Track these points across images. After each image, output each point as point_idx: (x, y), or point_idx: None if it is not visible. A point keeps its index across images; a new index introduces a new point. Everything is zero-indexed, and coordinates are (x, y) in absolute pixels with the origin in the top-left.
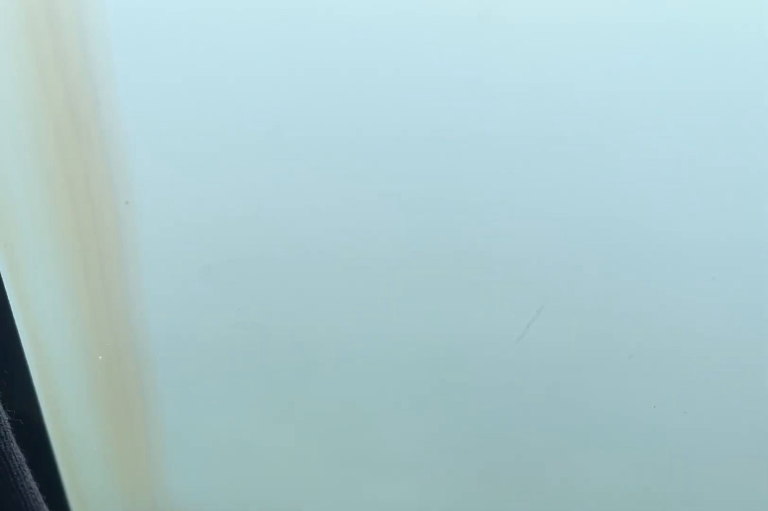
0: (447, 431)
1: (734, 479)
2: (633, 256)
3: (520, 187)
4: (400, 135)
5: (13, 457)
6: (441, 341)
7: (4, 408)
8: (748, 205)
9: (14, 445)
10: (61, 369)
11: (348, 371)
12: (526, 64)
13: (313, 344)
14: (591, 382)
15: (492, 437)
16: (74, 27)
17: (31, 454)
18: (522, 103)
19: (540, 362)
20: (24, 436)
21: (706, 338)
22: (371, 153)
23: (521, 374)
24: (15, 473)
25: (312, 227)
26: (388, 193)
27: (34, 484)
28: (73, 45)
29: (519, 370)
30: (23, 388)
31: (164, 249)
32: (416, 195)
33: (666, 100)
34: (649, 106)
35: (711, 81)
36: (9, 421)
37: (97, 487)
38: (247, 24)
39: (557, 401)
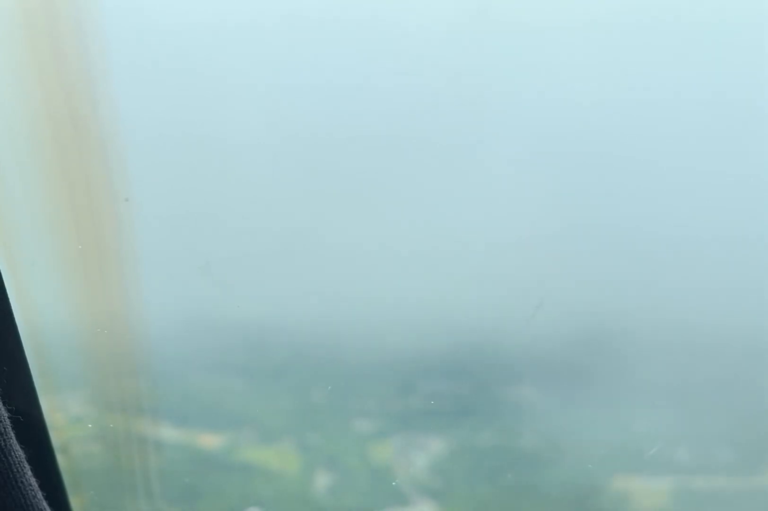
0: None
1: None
2: (634, 256)
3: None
4: (401, 133)
5: (13, 453)
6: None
7: (4, 405)
8: (746, 205)
9: (14, 441)
10: (61, 366)
11: (348, 366)
12: (523, 63)
13: (311, 343)
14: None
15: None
16: (73, 26)
17: (30, 451)
18: (523, 103)
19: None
20: (24, 433)
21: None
22: (371, 150)
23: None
24: (15, 470)
25: (311, 224)
26: (389, 191)
27: (33, 480)
28: (72, 44)
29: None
30: (23, 385)
31: (163, 245)
32: (418, 194)
33: (666, 101)
34: (649, 105)
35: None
36: (9, 418)
37: (97, 482)
38: (244, 25)
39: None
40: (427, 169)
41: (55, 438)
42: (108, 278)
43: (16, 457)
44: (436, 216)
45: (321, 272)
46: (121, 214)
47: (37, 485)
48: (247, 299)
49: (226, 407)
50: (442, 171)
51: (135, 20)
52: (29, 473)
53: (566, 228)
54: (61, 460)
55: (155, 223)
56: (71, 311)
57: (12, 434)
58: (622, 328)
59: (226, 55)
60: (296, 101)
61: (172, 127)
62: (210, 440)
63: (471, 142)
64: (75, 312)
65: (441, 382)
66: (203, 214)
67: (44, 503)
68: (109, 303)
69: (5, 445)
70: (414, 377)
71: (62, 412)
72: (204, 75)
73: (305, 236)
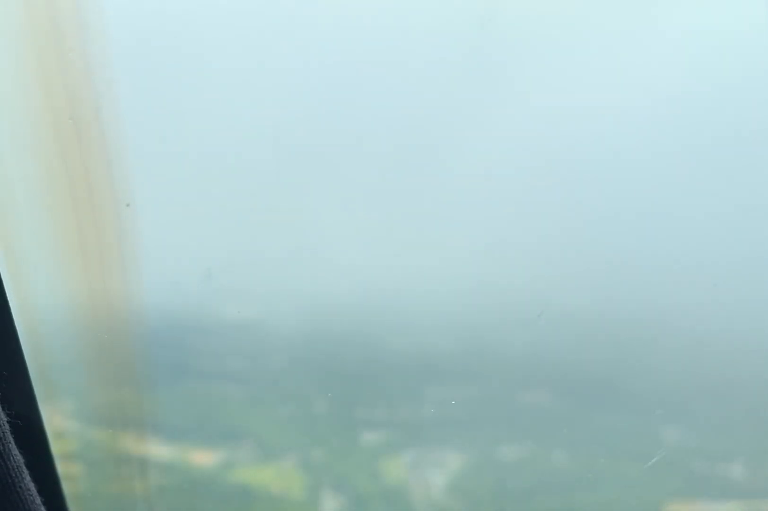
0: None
1: None
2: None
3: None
4: (406, 137)
5: (12, 458)
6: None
7: (3, 409)
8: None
9: (12, 446)
10: (61, 370)
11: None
12: (529, 69)
13: (312, 347)
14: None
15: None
16: (76, 30)
17: (29, 455)
18: (526, 106)
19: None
20: (23, 437)
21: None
22: (372, 154)
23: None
24: (13, 475)
25: (313, 226)
26: (396, 196)
27: (32, 485)
28: (76, 49)
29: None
30: (22, 389)
31: (164, 251)
32: (424, 199)
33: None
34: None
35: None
36: (8, 422)
37: (95, 485)
38: (247, 28)
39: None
40: (432, 174)
41: (55, 443)
42: (110, 283)
43: (15, 461)
44: (440, 218)
45: (323, 273)
46: (122, 220)
47: (35, 490)
48: (246, 301)
49: (220, 418)
50: (447, 176)
51: (139, 23)
52: (28, 477)
53: (572, 231)
54: (61, 466)
55: (156, 229)
56: (73, 315)
57: (11, 439)
58: (638, 327)
59: (231, 59)
60: (300, 107)
61: (175, 133)
62: (203, 458)
63: (478, 147)
64: (77, 316)
65: (452, 387)
66: (204, 219)
67: (43, 509)
68: (111, 308)
69: (4, 449)
70: (423, 383)
71: (62, 416)
72: (209, 82)
73: (306, 238)
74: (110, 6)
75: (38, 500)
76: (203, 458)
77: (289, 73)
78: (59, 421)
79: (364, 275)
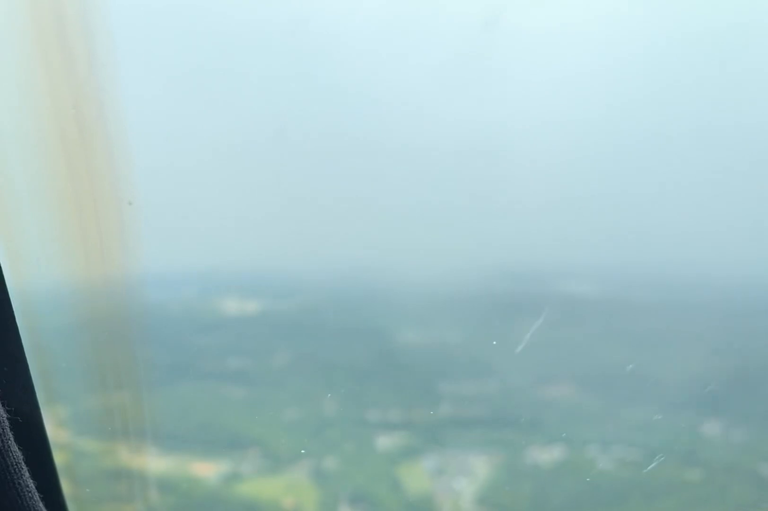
0: None
1: None
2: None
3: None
4: (412, 140)
5: (11, 454)
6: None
7: (2, 406)
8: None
9: (12, 442)
10: (61, 365)
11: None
12: (532, 70)
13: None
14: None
15: None
16: (80, 29)
17: (28, 452)
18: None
19: None
20: (22, 434)
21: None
22: (379, 157)
23: None
24: (12, 471)
25: (312, 222)
26: (399, 197)
27: (31, 482)
28: (80, 48)
29: None
30: (22, 386)
31: (167, 249)
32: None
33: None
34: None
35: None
36: (7, 419)
37: (92, 481)
38: (252, 29)
39: None
40: (438, 169)
41: (54, 440)
42: (112, 281)
43: (14, 458)
44: (445, 212)
45: (325, 267)
46: (124, 218)
47: (34, 487)
48: (248, 295)
49: (223, 424)
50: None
51: (144, 24)
52: (27, 474)
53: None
54: (60, 462)
55: (158, 227)
56: (74, 315)
57: (10, 435)
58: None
59: (234, 57)
60: (305, 107)
61: (177, 132)
62: (205, 469)
63: (474, 153)
64: (78, 316)
65: (467, 383)
66: (207, 219)
67: (41, 505)
68: (113, 308)
69: (3, 446)
70: (440, 380)
71: (62, 414)
72: (212, 81)
73: (305, 234)
74: (115, 5)
75: (37, 496)
76: (204, 469)
77: (295, 73)
78: (60, 419)
79: (369, 269)
